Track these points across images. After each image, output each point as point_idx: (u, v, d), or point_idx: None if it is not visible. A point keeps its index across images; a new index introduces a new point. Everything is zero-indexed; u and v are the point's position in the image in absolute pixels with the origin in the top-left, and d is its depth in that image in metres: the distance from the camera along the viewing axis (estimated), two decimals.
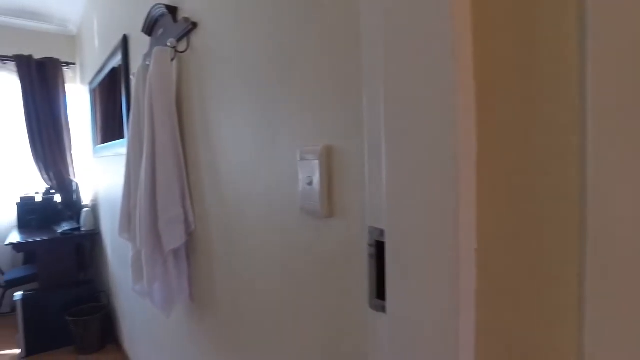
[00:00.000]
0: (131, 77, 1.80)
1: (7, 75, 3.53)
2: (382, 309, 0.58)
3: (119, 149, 2.16)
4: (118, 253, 2.57)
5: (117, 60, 2.11)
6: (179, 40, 1.25)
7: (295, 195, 0.79)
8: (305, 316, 0.79)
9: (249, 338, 1.04)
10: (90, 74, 3.13)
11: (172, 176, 1.27)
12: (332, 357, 0.73)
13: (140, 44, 1.73)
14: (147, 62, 1.34)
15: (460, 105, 0.44)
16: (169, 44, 1.24)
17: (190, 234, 1.34)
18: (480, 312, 0.48)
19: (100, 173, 3.09)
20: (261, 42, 0.88)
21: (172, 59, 1.29)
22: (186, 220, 1.30)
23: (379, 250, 0.58)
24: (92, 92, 3.06)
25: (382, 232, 0.56)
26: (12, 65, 3.47)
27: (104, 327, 2.88)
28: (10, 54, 3.43)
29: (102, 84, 2.78)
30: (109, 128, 2.81)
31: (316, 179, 0.71)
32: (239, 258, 1.05)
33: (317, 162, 0.70)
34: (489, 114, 0.45)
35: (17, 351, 2.84)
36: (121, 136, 2.24)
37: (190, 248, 1.37)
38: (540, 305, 0.50)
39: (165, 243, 1.25)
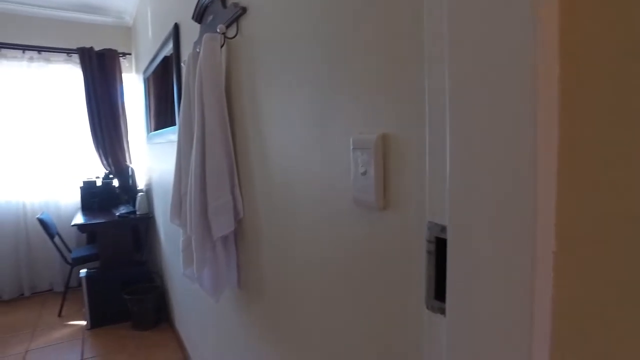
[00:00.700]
0: (182, 65, 1.83)
1: (72, 67, 3.73)
2: (441, 311, 0.54)
3: (171, 135, 2.22)
4: (170, 237, 2.67)
5: (168, 49, 2.15)
6: (228, 26, 1.24)
7: (347, 185, 0.75)
8: (356, 312, 0.76)
9: (296, 330, 1.02)
10: (144, 63, 3.24)
11: (221, 163, 1.27)
12: (384, 356, 0.69)
13: (191, 32, 1.75)
14: (197, 50, 1.34)
15: (542, 91, 0.38)
16: (218, 30, 1.23)
17: (239, 222, 1.35)
18: (557, 324, 0.43)
19: (153, 159, 3.21)
20: (313, 24, 0.84)
21: (222, 46, 1.28)
22: (235, 207, 1.30)
23: (438, 248, 0.53)
24: (146, 81, 3.16)
25: (443, 229, 0.51)
26: (76, 57, 3.67)
27: (157, 306, 3.02)
28: (74, 47, 3.62)
29: (155, 72, 2.87)
30: (162, 115, 2.90)
31: (371, 168, 0.67)
32: (288, 248, 1.04)
33: (372, 150, 0.66)
34: (574, 101, 0.39)
35: (84, 323, 3.05)
36: (172, 123, 2.30)
37: (239, 235, 1.38)
38: (630, 320, 0.43)
39: (214, 230, 1.26)
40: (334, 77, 0.79)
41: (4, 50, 3.49)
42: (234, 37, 1.24)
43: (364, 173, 0.69)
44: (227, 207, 1.28)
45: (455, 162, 0.46)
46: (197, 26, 1.55)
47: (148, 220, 3.32)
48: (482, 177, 0.43)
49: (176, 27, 1.99)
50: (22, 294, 3.64)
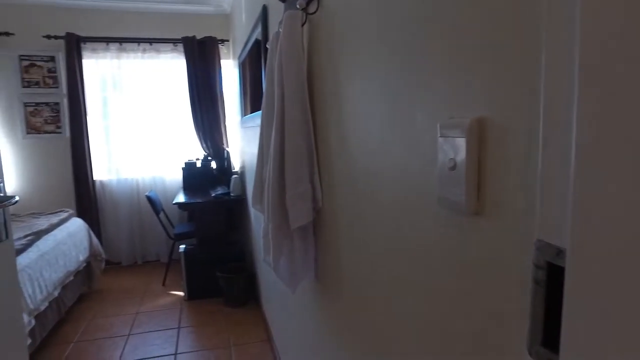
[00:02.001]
0: (267, 46, 1.80)
1: (177, 56, 4.00)
2: None
3: (258, 119, 2.23)
4: (258, 220, 2.73)
5: (258, 32, 2.15)
6: (309, 1, 1.16)
7: (432, 181, 0.63)
8: (438, 330, 0.64)
9: (372, 332, 0.93)
10: (239, 49, 3.33)
11: (300, 150, 1.21)
12: None
13: (278, 13, 1.70)
14: (279, 29, 1.28)
15: None
16: (298, 6, 1.15)
17: (317, 212, 1.28)
18: None
19: (245, 142, 3.31)
20: None
21: (303, 24, 1.20)
22: (314, 197, 1.24)
23: (551, 277, 0.39)
24: (241, 66, 3.25)
25: (560, 252, 0.37)
26: (180, 47, 3.92)
27: (247, 286, 3.14)
28: (179, 37, 3.87)
29: (248, 57, 2.92)
30: (253, 100, 2.96)
31: (461, 162, 0.54)
32: (368, 244, 0.94)
33: (463, 139, 0.53)
34: None
35: (182, 294, 3.32)
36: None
37: (317, 226, 1.32)
38: None
39: (292, 219, 1.21)
40: (422, 51, 0.65)
41: (124, 44, 3.85)
42: (315, 12, 1.15)
43: (453, 167, 0.55)
44: (306, 196, 1.22)
45: (588, 161, 0.31)
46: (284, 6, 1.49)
47: (241, 202, 3.45)
48: (632, 184, 0.29)
49: (264, 10, 1.97)
50: (136, 262, 4.08)
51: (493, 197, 0.50)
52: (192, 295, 3.23)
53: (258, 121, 2.40)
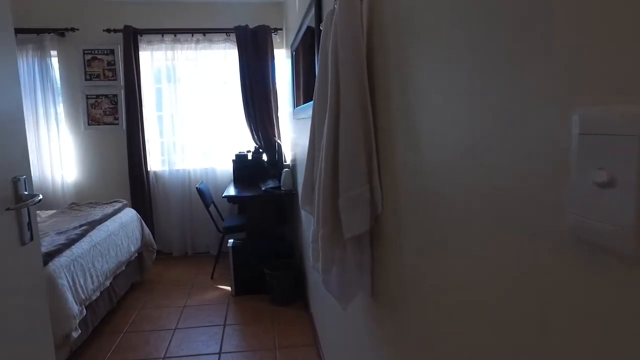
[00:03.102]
0: (321, 27, 1.62)
1: (229, 46, 3.94)
2: None
3: (310, 110, 2.07)
4: (309, 217, 2.59)
5: (311, 17, 1.98)
6: None
7: (560, 201, 0.42)
8: None
9: None
10: (292, 36, 3.18)
11: (357, 145, 1.02)
12: None
13: None
14: (334, 6, 1.10)
15: None
16: None
17: (376, 219, 1.09)
18: None
19: (297, 135, 3.17)
20: None
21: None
22: (372, 201, 1.05)
23: None
24: (293, 54, 3.11)
25: None
26: (233, 36, 3.85)
27: (294, 284, 3.02)
28: (232, 27, 3.80)
29: (301, 44, 2.76)
30: (306, 90, 2.80)
31: (627, 175, 0.33)
32: (442, 270, 0.75)
33: (637, 139, 0.32)
34: None
35: (229, 288, 3.27)
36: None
37: (375, 235, 1.13)
38: None
39: (345, 227, 1.04)
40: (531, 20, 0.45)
41: (178, 35, 3.84)
42: None
43: (608, 184, 0.35)
44: (363, 200, 1.03)
45: None
46: None
47: (291, 196, 3.33)
48: None
49: None
50: (186, 253, 4.10)
51: None
52: (239, 291, 3.17)
53: (308, 112, 2.24)
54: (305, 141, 2.66)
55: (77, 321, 2.12)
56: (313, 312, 2.74)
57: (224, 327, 2.70)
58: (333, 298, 1.23)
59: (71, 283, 2.15)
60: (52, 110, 3.77)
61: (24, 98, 3.76)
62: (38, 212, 3.24)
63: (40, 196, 1.14)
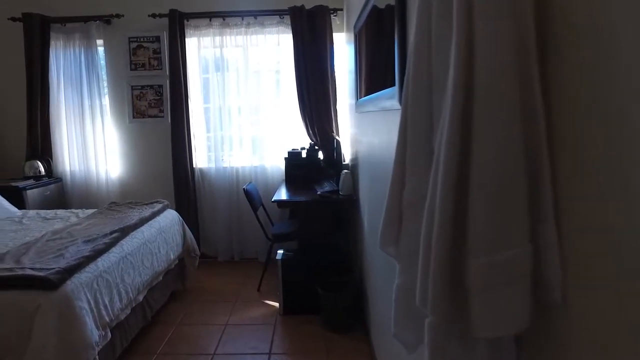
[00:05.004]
0: None
1: (283, 30, 3.51)
2: None
3: (386, 101, 1.57)
4: (374, 228, 2.10)
5: None
6: None
7: None
8: None
9: None
10: (354, 18, 2.68)
11: (512, 163, 0.52)
12: None
13: None
14: None
15: None
16: None
17: (542, 309, 0.58)
18: None
19: (360, 131, 2.68)
20: None
21: None
22: (540, 274, 0.54)
23: None
24: (356, 36, 2.60)
25: None
26: (287, 19, 3.41)
27: (352, 307, 2.55)
28: (285, 8, 3.36)
29: (364, 26, 2.26)
30: (373, 77, 2.29)
31: None
32: None
33: None
34: None
35: (277, 305, 2.86)
36: (388, 85, 1.65)
37: (538, 334, 0.61)
38: None
39: (479, 319, 0.54)
40: None
41: (227, 19, 3.47)
42: None
43: None
44: (519, 271, 0.53)
45: None
46: None
47: (351, 203, 2.85)
48: None
49: None
50: (233, 258, 3.76)
51: None
52: (288, 309, 2.75)
53: (381, 104, 1.74)
54: (372, 138, 2.17)
55: (97, 350, 1.78)
56: (375, 343, 2.26)
57: (269, 357, 2.28)
58: None
59: (92, 305, 1.82)
60: (97, 102, 3.55)
61: (70, 90, 3.60)
62: (76, 211, 3.01)
63: None
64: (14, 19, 3.45)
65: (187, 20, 3.45)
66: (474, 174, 0.54)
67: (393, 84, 1.43)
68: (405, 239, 0.83)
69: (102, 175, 3.65)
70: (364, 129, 2.48)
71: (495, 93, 0.53)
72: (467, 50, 0.55)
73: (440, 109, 0.67)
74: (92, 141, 3.59)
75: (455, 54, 0.55)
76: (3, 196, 3.11)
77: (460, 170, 0.57)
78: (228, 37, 3.51)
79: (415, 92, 0.76)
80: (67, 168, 3.64)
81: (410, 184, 0.80)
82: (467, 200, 0.55)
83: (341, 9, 3.47)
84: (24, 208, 3.19)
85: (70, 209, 3.28)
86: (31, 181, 3.36)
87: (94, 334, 1.77)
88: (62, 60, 3.54)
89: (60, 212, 3.02)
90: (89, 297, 1.81)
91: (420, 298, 0.61)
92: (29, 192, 3.27)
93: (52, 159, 3.60)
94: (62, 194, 3.64)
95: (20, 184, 3.25)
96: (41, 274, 1.71)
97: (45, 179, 3.48)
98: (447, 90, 0.58)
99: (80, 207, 3.41)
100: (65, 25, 3.50)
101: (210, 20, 3.46)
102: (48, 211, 3.05)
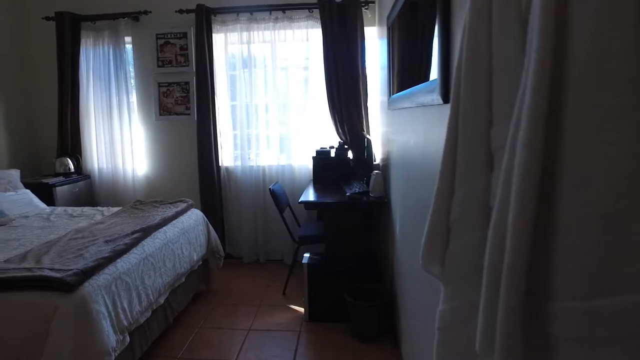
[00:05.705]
0: None
1: (312, 24, 3.39)
2: None
3: (424, 96, 1.41)
4: (408, 232, 1.95)
5: None
6: None
7: None
8: None
9: None
10: (386, 10, 2.52)
11: (626, 174, 0.37)
12: None
13: None
14: None
15: None
16: None
17: None
18: None
19: (393, 129, 2.52)
20: None
21: None
22: None
23: None
24: (390, 29, 2.44)
25: None
26: (316, 13, 3.29)
27: (382, 316, 2.40)
28: (315, 1, 3.23)
29: (398, 18, 2.10)
30: (407, 72, 2.13)
31: None
32: None
33: None
34: None
35: (302, 310, 2.74)
36: (425, 79, 1.49)
37: None
38: None
39: None
40: None
41: (255, 14, 3.38)
42: None
43: None
44: (630, 321, 0.37)
45: None
46: None
47: (382, 205, 2.69)
48: None
49: None
50: (258, 259, 3.67)
51: None
52: (314, 316, 2.62)
53: (417, 99, 1.57)
54: (406, 137, 2.01)
55: (115, 356, 1.71)
56: (405, 355, 2.10)
57: None
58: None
59: (110, 308, 1.75)
60: (124, 100, 3.54)
61: (98, 88, 3.60)
62: (102, 209, 2.99)
63: None
64: (47, 18, 3.48)
65: (214, 16, 3.38)
66: (567, 185, 0.39)
67: (428, 78, 1.27)
68: (454, 258, 0.68)
69: (129, 172, 3.63)
70: (397, 127, 2.32)
71: (603, 80, 0.37)
72: (557, 35, 0.40)
73: (506, 102, 0.52)
74: (120, 138, 3.58)
75: (539, 39, 0.40)
76: (34, 193, 3.14)
77: (534, 187, 0.42)
78: (255, 32, 3.42)
79: (472, 83, 0.61)
80: (95, 165, 3.65)
81: (461, 190, 0.65)
82: (554, 219, 0.40)
83: (373, 1, 3.31)
84: (53, 204, 3.20)
85: (97, 206, 3.28)
86: (61, 178, 3.38)
87: (111, 339, 1.70)
88: (91, 57, 3.54)
89: (87, 209, 3.01)
90: (107, 301, 1.74)
91: (482, 345, 0.46)
92: (58, 189, 3.29)
93: (81, 156, 3.62)
94: (91, 191, 3.65)
95: (50, 180, 3.28)
96: (58, 275, 1.65)
97: (74, 176, 3.50)
98: (524, 80, 0.43)
99: (107, 205, 3.41)
100: (95, 23, 3.50)
101: (237, 15, 3.38)
102: (75, 208, 3.04)
